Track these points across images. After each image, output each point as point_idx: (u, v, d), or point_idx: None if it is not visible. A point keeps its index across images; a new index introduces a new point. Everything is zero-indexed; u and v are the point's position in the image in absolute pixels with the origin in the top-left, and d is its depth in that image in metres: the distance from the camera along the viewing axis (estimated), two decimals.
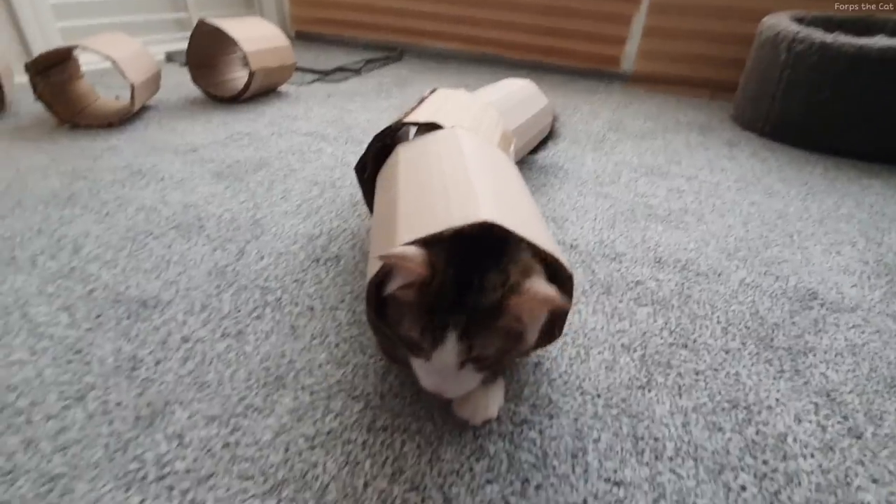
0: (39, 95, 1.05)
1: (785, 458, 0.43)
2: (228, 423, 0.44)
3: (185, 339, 0.53)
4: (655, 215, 0.87)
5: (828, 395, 0.50)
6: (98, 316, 0.55)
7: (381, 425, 0.45)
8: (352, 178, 0.94)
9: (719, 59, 1.71)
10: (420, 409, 0.46)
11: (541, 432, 0.44)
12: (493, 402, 0.45)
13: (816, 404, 0.49)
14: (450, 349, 0.37)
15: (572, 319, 0.59)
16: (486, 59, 2.15)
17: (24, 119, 1.14)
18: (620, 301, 0.63)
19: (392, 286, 0.39)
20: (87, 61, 1.18)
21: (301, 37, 2.35)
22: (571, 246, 0.75)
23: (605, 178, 1.02)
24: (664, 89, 1.80)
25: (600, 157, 1.13)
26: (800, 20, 1.38)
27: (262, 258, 0.68)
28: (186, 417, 0.44)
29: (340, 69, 1.76)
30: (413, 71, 1.90)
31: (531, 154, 1.11)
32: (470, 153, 0.49)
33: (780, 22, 1.28)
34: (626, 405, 0.48)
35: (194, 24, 2.05)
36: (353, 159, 1.01)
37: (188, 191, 0.85)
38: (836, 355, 0.56)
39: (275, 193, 0.87)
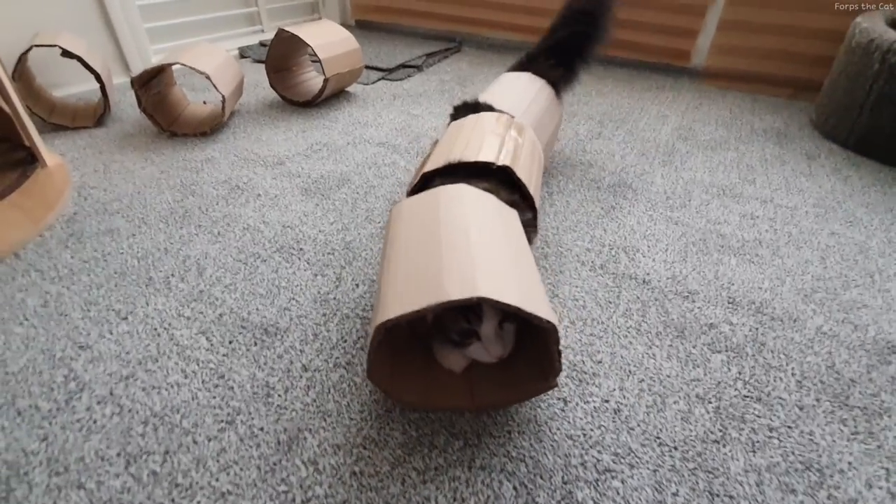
0: (143, 109, 1.15)
1: None
2: (352, 452, 0.52)
3: (305, 368, 0.61)
4: (728, 246, 0.88)
5: None
6: (231, 342, 0.64)
7: (480, 464, 0.51)
8: None
9: (802, 56, 1.61)
10: (513, 451, 0.53)
11: (623, 482, 0.50)
12: (465, 358, 0.58)
13: (888, 470, 0.52)
14: (490, 317, 0.51)
15: (648, 364, 0.63)
16: None
17: (128, 125, 1.25)
18: (694, 346, 0.66)
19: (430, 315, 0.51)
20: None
21: (361, 26, 2.38)
22: (644, 281, 0.78)
23: (675, 200, 1.02)
24: (738, 87, 1.72)
25: (670, 174, 1.13)
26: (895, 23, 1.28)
27: (357, 286, 0.75)
28: (317, 445, 0.53)
29: (403, 66, 1.79)
30: (472, 65, 1.89)
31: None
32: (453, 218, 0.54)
33: (875, 27, 1.20)
34: (702, 459, 0.52)
35: (262, 18, 2.11)
36: None
37: (283, 209, 0.93)
38: None
39: (359, 213, 0.93)
